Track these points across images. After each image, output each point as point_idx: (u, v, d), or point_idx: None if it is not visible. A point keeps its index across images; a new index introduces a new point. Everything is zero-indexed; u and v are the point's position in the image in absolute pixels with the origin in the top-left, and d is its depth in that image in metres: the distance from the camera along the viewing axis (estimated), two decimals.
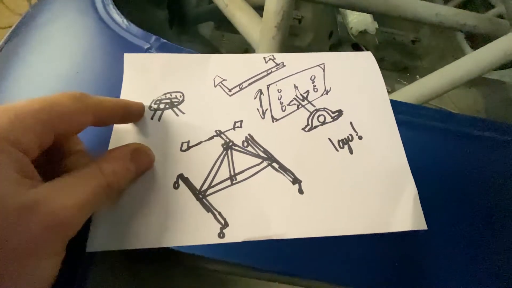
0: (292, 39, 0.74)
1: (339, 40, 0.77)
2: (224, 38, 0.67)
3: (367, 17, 0.70)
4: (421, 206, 0.19)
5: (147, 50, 0.24)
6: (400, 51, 0.81)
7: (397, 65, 0.79)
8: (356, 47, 0.77)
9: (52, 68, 0.23)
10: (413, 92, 0.37)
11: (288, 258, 0.18)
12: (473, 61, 0.40)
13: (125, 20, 0.25)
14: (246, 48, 0.65)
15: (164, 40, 0.24)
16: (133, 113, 0.20)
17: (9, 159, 0.13)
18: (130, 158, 0.17)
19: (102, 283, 0.18)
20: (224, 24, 0.65)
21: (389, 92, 0.25)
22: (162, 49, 0.24)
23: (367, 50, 0.74)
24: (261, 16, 0.37)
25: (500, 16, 0.66)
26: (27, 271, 0.13)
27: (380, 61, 0.53)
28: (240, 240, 0.17)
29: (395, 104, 0.23)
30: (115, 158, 0.17)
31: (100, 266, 0.17)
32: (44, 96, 0.15)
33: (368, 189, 0.20)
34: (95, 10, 0.26)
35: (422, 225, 0.19)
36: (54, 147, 0.16)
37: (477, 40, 0.71)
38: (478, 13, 0.48)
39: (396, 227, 0.19)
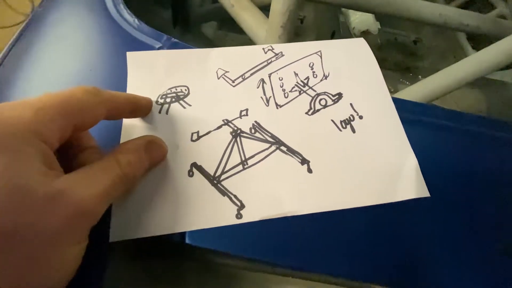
0: (294, 38, 0.75)
1: None
2: (227, 38, 0.67)
3: (370, 17, 0.70)
4: (430, 203, 0.20)
5: (158, 49, 0.24)
6: (402, 52, 0.82)
7: (399, 66, 0.80)
8: None
9: (64, 67, 0.24)
10: (416, 92, 0.38)
11: (299, 253, 0.19)
12: (476, 62, 0.40)
13: (136, 20, 0.25)
14: None
15: (176, 40, 0.24)
16: (142, 107, 0.20)
17: (36, 151, 0.14)
18: (144, 150, 0.18)
19: (116, 279, 0.18)
20: (227, 24, 0.66)
21: (391, 92, 0.26)
22: (174, 48, 0.24)
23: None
24: (267, 16, 0.37)
25: (502, 17, 0.66)
26: (54, 256, 0.14)
27: (382, 61, 0.54)
28: (257, 219, 0.18)
29: (402, 103, 0.24)
30: (130, 149, 0.17)
31: (113, 262, 0.17)
32: (61, 90, 0.16)
33: (372, 163, 0.21)
34: (105, 9, 0.26)
35: (425, 193, 0.20)
36: (68, 142, 0.16)
37: (479, 40, 0.72)
38: (481, 14, 0.49)
39: (401, 196, 0.20)
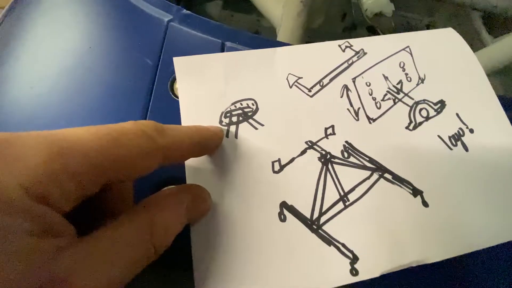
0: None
1: (353, 23, 0.74)
2: (233, 18, 0.63)
3: None
4: None
5: (168, 22, 0.20)
6: None
7: None
8: (372, 30, 0.73)
9: (60, 42, 0.20)
10: None
11: None
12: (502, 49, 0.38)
13: None
14: (257, 29, 0.61)
15: (187, 11, 0.20)
16: (209, 148, 0.16)
17: (23, 224, 0.09)
18: (187, 208, 0.14)
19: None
20: (232, 3, 0.62)
21: None
22: (186, 21, 0.20)
23: (383, 34, 0.70)
24: None
25: None
26: None
27: None
28: (377, 275, 0.15)
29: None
30: (171, 206, 0.13)
31: None
32: (106, 125, 0.11)
33: (494, 191, 0.17)
34: None
35: None
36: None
37: (495, 24, 0.68)
38: None
39: None
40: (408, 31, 0.76)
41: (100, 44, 0.20)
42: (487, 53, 0.39)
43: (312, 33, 0.65)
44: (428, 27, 0.77)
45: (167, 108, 0.18)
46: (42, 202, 0.10)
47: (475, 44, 0.72)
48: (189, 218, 0.14)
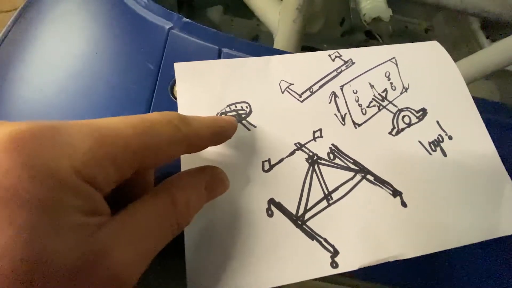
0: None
1: (352, 27, 0.75)
2: (233, 23, 0.65)
3: (381, 3, 0.67)
4: None
5: (169, 30, 0.22)
6: (413, 40, 0.79)
7: None
8: (370, 35, 0.75)
9: (69, 47, 0.21)
10: None
11: None
12: (498, 52, 0.39)
13: None
14: (256, 34, 0.63)
15: (187, 20, 0.22)
16: (227, 135, 0.16)
17: (76, 200, 0.10)
18: (205, 187, 0.15)
19: None
20: (233, 8, 0.63)
21: None
22: (186, 28, 0.22)
23: (381, 38, 0.71)
24: None
25: None
26: None
27: None
28: (356, 268, 0.16)
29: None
30: (189, 185, 0.14)
31: None
32: (138, 116, 0.12)
33: (469, 193, 0.18)
34: None
35: None
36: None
37: (492, 29, 0.69)
38: (504, 0, 0.46)
39: (505, 231, 0.18)
40: (407, 35, 0.77)
41: (105, 50, 0.21)
42: (483, 56, 0.40)
43: (311, 37, 0.66)
44: (426, 31, 0.78)
45: (167, 109, 0.19)
46: (90, 183, 0.11)
47: (473, 48, 0.73)
48: (208, 197, 0.15)
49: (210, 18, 0.61)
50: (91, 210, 0.11)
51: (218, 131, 0.16)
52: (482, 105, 0.21)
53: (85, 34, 0.22)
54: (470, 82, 0.38)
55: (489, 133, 0.20)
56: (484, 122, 0.21)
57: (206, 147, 0.16)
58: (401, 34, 0.79)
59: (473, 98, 0.22)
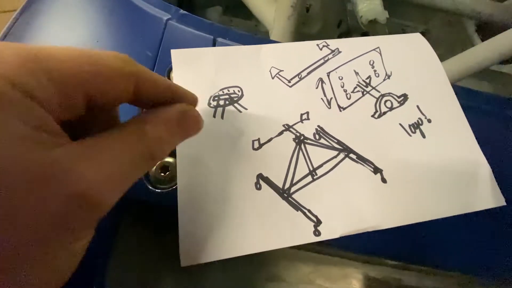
0: (299, 27, 0.73)
1: (348, 29, 0.76)
2: (232, 23, 0.66)
3: (378, 6, 0.69)
4: None
5: (167, 21, 0.23)
6: None
7: None
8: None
9: (72, 37, 0.23)
10: None
11: None
12: (484, 51, 0.40)
13: None
14: (255, 33, 0.64)
15: (184, 11, 0.23)
16: (178, 99, 0.15)
17: (14, 107, 0.09)
18: (177, 122, 0.14)
19: (126, 252, 0.17)
20: (232, 9, 0.64)
21: None
22: (183, 19, 0.23)
23: None
24: None
25: None
26: (44, 258, 0.10)
27: None
28: (337, 236, 0.17)
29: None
30: (161, 120, 0.13)
31: (124, 236, 0.17)
32: (83, 48, 0.12)
33: (446, 172, 0.20)
34: None
35: (501, 201, 0.19)
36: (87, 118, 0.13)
37: (487, 32, 0.70)
38: (495, 1, 0.47)
39: (478, 206, 0.19)
40: None
41: (106, 39, 0.22)
42: (475, 52, 0.41)
43: (310, 38, 0.68)
44: (423, 34, 0.80)
45: None
46: (29, 97, 0.10)
47: None
48: (181, 134, 0.15)
49: (209, 18, 0.63)
50: (39, 126, 0.10)
51: (173, 89, 0.15)
52: (460, 92, 0.23)
53: (87, 24, 0.23)
54: (461, 79, 0.39)
55: (467, 118, 0.21)
56: (462, 107, 0.22)
57: (161, 102, 0.15)
58: None
59: (452, 85, 0.23)
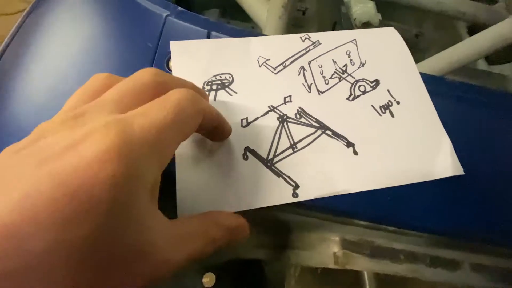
0: (297, 30, 0.76)
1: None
2: (230, 25, 0.68)
3: (371, 9, 0.71)
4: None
5: (166, 17, 0.26)
6: None
7: None
8: None
9: (80, 31, 0.25)
10: None
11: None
12: (468, 47, 0.42)
13: None
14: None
15: (182, 8, 0.26)
16: (223, 129, 0.19)
17: (145, 183, 0.12)
18: (232, 233, 0.17)
19: None
20: (229, 11, 0.67)
21: None
22: (181, 15, 0.26)
23: None
24: None
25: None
26: None
27: None
28: (312, 198, 0.20)
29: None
30: (225, 227, 0.16)
31: None
32: (169, 100, 0.14)
33: (411, 145, 0.22)
34: None
35: (460, 171, 0.22)
36: None
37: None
38: (478, 2, 0.50)
39: (439, 175, 0.21)
40: None
41: (111, 32, 0.25)
42: (462, 47, 0.44)
43: None
44: (416, 36, 0.82)
45: None
46: (160, 162, 0.13)
47: None
48: (229, 240, 0.17)
49: None
50: (153, 195, 0.13)
51: (221, 118, 0.18)
52: (427, 79, 0.25)
53: (92, 21, 0.26)
54: (445, 74, 0.41)
55: (432, 101, 0.24)
56: (429, 92, 0.25)
57: (208, 130, 0.18)
58: None
59: (420, 73, 0.26)
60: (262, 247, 0.23)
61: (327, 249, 0.20)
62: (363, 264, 0.19)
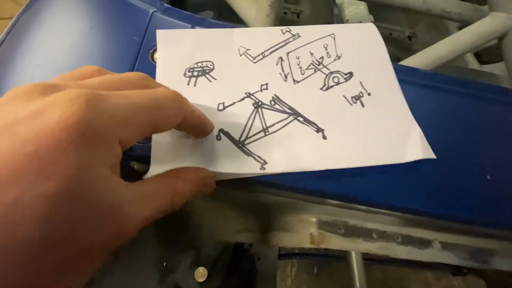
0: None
1: None
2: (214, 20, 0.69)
3: (363, 11, 0.73)
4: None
5: (153, 13, 0.27)
6: (397, 46, 0.84)
7: (393, 60, 0.82)
8: None
9: (69, 25, 0.26)
10: None
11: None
12: (451, 43, 0.43)
13: None
14: None
15: (168, 5, 0.27)
16: (204, 130, 0.20)
17: (110, 152, 0.13)
18: (197, 184, 0.18)
19: None
20: (223, 14, 0.68)
21: None
22: (166, 12, 0.27)
23: None
24: None
25: None
26: (81, 271, 0.13)
27: None
28: (278, 171, 0.21)
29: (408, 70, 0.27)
30: (190, 179, 0.17)
31: None
32: (149, 90, 0.15)
33: (380, 132, 0.23)
34: None
35: (431, 155, 0.23)
36: None
37: None
38: (462, 1, 0.51)
39: (409, 158, 0.22)
40: (391, 42, 0.82)
41: (99, 26, 0.26)
42: (443, 44, 0.45)
43: None
44: (410, 38, 0.83)
45: (147, 70, 0.23)
46: (120, 141, 0.13)
47: None
48: (196, 192, 0.18)
49: None
50: (114, 167, 0.13)
51: (202, 119, 0.19)
52: (400, 69, 0.27)
53: (81, 15, 0.27)
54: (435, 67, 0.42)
55: (404, 90, 0.25)
56: (401, 81, 0.26)
57: (188, 130, 0.19)
58: (385, 40, 0.83)
59: (396, 64, 0.27)
60: (244, 230, 0.24)
61: (303, 229, 0.21)
62: (337, 243, 0.20)
